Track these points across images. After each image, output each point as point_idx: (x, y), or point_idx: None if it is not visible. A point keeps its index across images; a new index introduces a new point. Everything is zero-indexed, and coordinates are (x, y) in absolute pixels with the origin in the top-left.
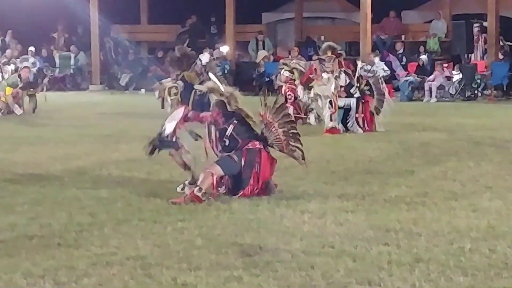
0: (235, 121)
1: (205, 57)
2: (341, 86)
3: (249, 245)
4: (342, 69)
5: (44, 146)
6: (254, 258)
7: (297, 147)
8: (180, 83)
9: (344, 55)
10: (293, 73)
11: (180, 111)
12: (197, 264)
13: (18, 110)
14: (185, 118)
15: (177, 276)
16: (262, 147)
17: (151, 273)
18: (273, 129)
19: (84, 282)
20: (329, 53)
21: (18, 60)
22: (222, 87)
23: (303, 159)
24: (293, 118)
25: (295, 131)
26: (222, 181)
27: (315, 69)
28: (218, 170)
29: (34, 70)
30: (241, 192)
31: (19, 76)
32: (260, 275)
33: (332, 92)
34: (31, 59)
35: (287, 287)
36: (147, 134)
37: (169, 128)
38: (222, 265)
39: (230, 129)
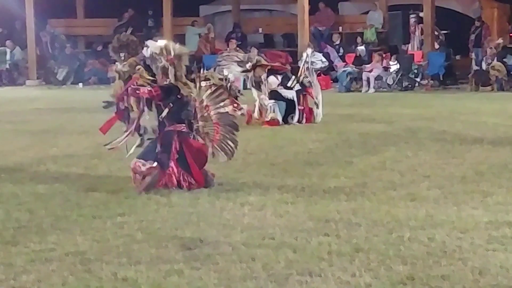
0: (171, 104)
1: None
2: (278, 85)
3: (189, 238)
4: (274, 73)
5: None
6: (194, 251)
7: (230, 148)
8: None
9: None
10: (209, 79)
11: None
12: (137, 259)
13: None
14: (125, 92)
15: (117, 271)
16: (185, 130)
17: (90, 269)
18: (209, 120)
19: (22, 279)
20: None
21: None
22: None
23: (230, 158)
24: (234, 119)
25: (234, 135)
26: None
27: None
28: (138, 163)
29: None
30: (162, 181)
31: None
32: (201, 268)
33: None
34: None
35: (228, 280)
36: (85, 129)
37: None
38: (162, 259)
39: (164, 112)
